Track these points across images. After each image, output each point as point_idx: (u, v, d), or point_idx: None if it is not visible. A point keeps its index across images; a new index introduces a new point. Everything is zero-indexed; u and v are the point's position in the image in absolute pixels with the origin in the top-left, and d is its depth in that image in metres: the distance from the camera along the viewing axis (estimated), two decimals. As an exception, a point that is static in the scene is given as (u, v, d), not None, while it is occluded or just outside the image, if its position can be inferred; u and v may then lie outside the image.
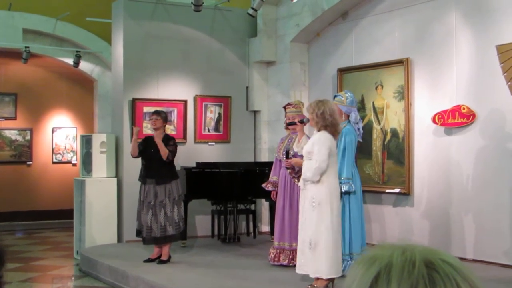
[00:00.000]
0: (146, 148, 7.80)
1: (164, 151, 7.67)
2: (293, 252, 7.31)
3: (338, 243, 6.13)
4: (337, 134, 6.25)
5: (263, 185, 7.91)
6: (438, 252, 1.01)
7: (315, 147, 6.05)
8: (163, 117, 7.93)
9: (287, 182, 7.43)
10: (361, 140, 7.16)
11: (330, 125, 6.09)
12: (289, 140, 7.56)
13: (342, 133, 6.73)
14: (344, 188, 6.67)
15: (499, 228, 7.23)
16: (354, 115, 7.01)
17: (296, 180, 7.15)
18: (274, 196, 7.70)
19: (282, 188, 7.48)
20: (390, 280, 0.97)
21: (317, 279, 6.15)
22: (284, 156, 7.32)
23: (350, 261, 6.65)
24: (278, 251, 7.44)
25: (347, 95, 7.07)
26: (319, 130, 6.13)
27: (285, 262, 7.36)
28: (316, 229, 6.02)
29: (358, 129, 7.04)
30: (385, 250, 1.02)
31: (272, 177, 7.81)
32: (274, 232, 7.58)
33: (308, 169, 6.08)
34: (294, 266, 7.10)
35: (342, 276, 6.14)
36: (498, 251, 7.24)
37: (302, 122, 6.85)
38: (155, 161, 7.71)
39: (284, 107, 7.93)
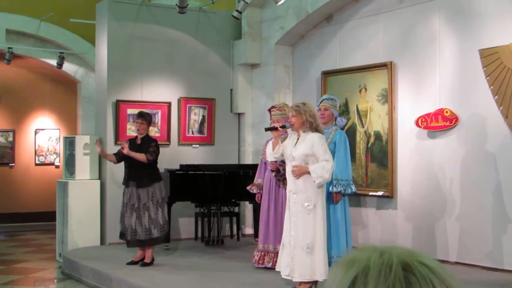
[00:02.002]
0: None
1: (141, 158, 7.61)
2: (277, 255, 7.29)
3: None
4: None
5: (248, 188, 7.90)
6: (416, 254, 1.01)
7: (319, 148, 5.97)
8: (148, 121, 7.88)
9: (272, 185, 7.42)
10: None
11: (318, 126, 6.10)
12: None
13: (337, 136, 6.70)
14: (352, 189, 6.63)
15: (482, 231, 7.27)
16: (345, 120, 7.01)
17: (282, 183, 7.14)
18: (259, 199, 7.70)
19: (267, 191, 7.46)
20: (367, 283, 0.97)
21: (301, 282, 6.14)
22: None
23: None
24: (262, 253, 7.43)
25: (337, 98, 7.07)
26: (310, 131, 6.07)
27: (270, 265, 7.34)
28: (313, 232, 6.01)
29: (342, 132, 7.04)
30: (364, 253, 1.02)
31: (257, 180, 7.80)
32: (259, 234, 7.57)
33: (323, 171, 5.92)
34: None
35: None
36: (481, 253, 7.27)
37: (284, 127, 6.79)
38: (136, 164, 7.67)
39: (269, 110, 7.92)
